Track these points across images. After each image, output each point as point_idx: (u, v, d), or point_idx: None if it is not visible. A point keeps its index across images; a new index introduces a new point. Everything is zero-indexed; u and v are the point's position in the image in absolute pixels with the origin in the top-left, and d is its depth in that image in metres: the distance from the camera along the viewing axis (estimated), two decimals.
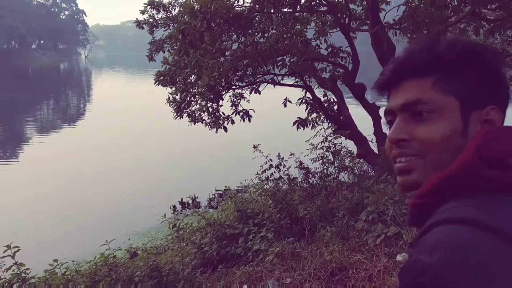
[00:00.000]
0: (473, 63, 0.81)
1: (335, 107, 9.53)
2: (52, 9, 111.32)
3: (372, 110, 8.87)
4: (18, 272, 4.58)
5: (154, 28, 9.73)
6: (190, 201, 11.94)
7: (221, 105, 9.20)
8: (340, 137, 8.11)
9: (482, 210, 0.68)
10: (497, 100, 0.83)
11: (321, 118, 9.27)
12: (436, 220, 0.69)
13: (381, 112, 8.97)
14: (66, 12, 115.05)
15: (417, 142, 0.81)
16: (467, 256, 0.61)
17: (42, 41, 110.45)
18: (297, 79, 9.59)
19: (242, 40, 8.49)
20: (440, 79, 0.81)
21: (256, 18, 8.46)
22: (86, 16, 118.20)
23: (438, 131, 0.79)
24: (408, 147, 0.82)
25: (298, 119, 9.27)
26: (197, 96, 9.20)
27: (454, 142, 0.79)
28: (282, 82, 9.63)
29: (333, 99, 9.60)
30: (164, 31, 9.83)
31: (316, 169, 7.88)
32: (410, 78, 0.83)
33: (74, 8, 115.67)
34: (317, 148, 7.69)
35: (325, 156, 7.67)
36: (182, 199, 12.01)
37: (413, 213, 0.80)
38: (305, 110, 9.52)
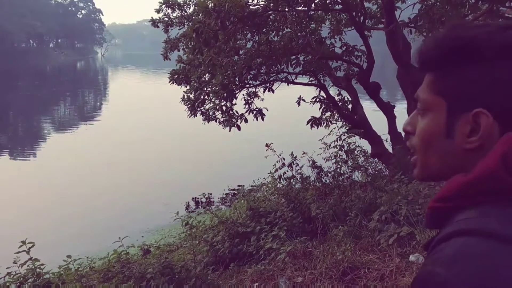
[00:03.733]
0: (469, 59, 0.74)
1: (350, 106, 9.48)
2: (70, 8, 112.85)
3: (386, 109, 8.80)
4: (33, 267, 4.65)
5: (169, 27, 9.77)
6: (203, 199, 11.99)
7: (235, 104, 9.22)
8: (354, 136, 8.07)
9: (504, 222, 0.65)
10: (490, 102, 0.72)
11: (335, 117, 9.23)
12: (455, 229, 0.66)
13: (396, 111, 8.91)
14: (83, 11, 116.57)
15: (415, 135, 0.83)
16: (487, 271, 0.58)
17: (59, 40, 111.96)
18: (311, 78, 9.56)
19: (256, 38, 8.48)
20: (435, 78, 0.79)
21: (271, 17, 8.45)
22: (102, 15, 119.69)
23: (425, 128, 0.80)
24: (410, 139, 0.85)
25: (312, 118, 9.23)
26: (211, 95, 9.23)
27: (438, 143, 0.78)
28: (296, 80, 9.60)
29: (348, 98, 9.54)
30: (179, 29, 9.86)
31: (329, 168, 7.85)
32: (424, 71, 0.83)
33: (91, 7, 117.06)
34: (331, 147, 7.66)
35: (338, 155, 7.64)
36: (195, 197, 12.07)
37: (432, 216, 0.77)
38: (319, 109, 9.48)
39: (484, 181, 0.69)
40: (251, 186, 10.67)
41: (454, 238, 0.65)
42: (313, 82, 9.53)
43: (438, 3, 7.63)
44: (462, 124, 0.75)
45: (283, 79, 9.38)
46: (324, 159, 7.85)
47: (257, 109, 9.34)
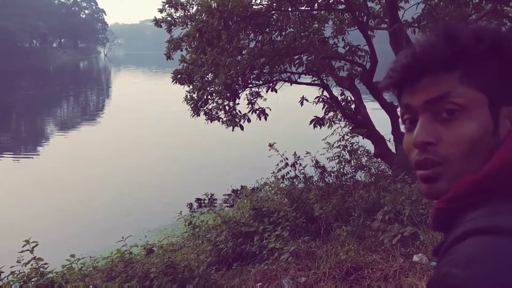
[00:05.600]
0: (497, 53, 0.73)
1: (353, 106, 9.47)
2: (73, 8, 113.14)
3: (390, 109, 8.78)
4: (37, 266, 4.66)
5: (172, 27, 9.78)
6: (206, 199, 11.98)
7: (238, 104, 9.22)
8: (357, 136, 8.06)
9: None
10: None
11: (338, 117, 9.22)
12: (469, 228, 0.63)
13: (399, 111, 8.88)
14: (86, 11, 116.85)
15: (444, 146, 0.73)
16: (506, 269, 0.56)
17: (62, 40, 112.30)
18: (314, 78, 9.56)
19: (259, 38, 8.50)
20: (466, 73, 0.72)
21: (274, 17, 8.45)
22: (105, 15, 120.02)
23: (469, 132, 0.71)
24: (434, 152, 0.74)
25: (315, 117, 9.23)
26: (214, 94, 9.24)
27: (485, 144, 0.71)
28: (299, 80, 9.60)
29: (351, 98, 9.54)
30: (182, 29, 9.87)
31: (332, 168, 7.84)
32: (431, 73, 0.75)
33: (94, 7, 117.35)
34: (334, 147, 7.65)
35: (341, 155, 7.63)
36: (198, 196, 12.06)
37: (439, 217, 0.74)
38: (322, 108, 9.47)
39: (499, 176, 0.67)
40: (254, 186, 10.68)
41: (469, 237, 0.62)
42: (316, 82, 9.53)
43: (441, 3, 7.62)
44: (503, 118, 0.73)
45: (286, 79, 9.39)
46: (327, 159, 7.83)
47: (260, 109, 9.34)
